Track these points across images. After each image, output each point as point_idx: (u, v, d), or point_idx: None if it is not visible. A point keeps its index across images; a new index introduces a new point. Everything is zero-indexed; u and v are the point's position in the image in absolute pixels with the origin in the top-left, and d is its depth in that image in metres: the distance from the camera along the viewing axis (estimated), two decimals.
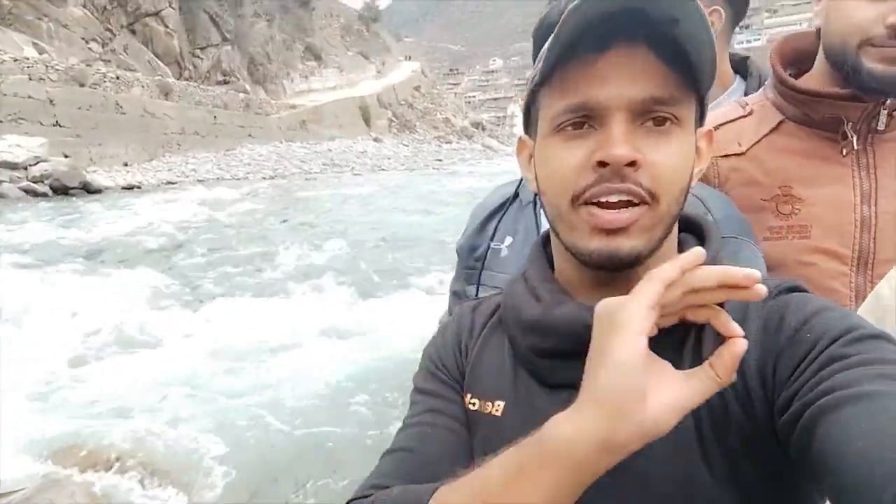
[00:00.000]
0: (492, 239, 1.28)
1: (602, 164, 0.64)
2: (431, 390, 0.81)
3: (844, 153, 1.22)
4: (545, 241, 0.84)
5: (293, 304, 7.92)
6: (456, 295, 1.37)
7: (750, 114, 1.34)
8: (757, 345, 0.63)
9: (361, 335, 6.53)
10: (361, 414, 4.84)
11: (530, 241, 1.15)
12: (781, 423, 0.58)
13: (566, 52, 0.65)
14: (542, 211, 1.20)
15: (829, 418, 0.52)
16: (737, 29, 1.78)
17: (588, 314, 0.65)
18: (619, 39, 0.64)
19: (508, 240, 1.26)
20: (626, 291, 0.67)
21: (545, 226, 1.10)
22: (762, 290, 0.54)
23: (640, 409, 0.52)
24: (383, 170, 36.46)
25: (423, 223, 14.45)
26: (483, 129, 77.79)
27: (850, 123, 1.19)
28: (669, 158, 0.65)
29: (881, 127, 1.18)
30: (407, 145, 50.81)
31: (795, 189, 1.25)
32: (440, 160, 45.85)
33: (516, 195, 1.31)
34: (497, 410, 0.74)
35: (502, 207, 1.31)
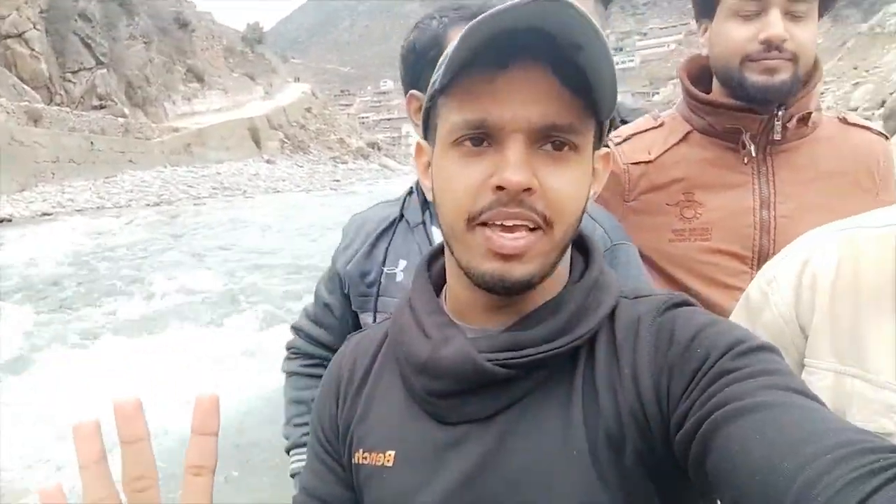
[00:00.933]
0: (384, 264, 1.23)
1: (499, 188, 0.63)
2: (312, 465, 0.83)
3: (746, 161, 1.33)
4: (429, 262, 0.83)
5: (185, 337, 7.50)
6: (314, 322, 1.39)
7: (661, 125, 1.45)
8: (650, 363, 0.63)
9: (260, 365, 6.29)
10: (266, 448, 4.68)
11: None
12: (678, 440, 0.58)
13: (467, 62, 0.64)
14: (433, 230, 1.20)
15: (723, 432, 0.53)
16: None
17: (474, 351, 0.67)
18: (522, 58, 0.63)
19: (402, 263, 1.22)
20: (518, 315, 0.70)
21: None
22: None
23: None
24: (278, 192, 35.67)
25: (321, 246, 14.22)
26: (379, 149, 77.91)
27: (749, 134, 1.31)
28: (566, 185, 0.65)
29: (777, 137, 1.31)
30: (302, 166, 49.94)
31: (697, 195, 1.36)
32: (337, 180, 45.50)
33: (402, 216, 1.27)
34: (388, 461, 0.72)
35: (389, 229, 1.27)
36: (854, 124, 1.39)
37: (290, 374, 1.46)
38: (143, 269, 12.06)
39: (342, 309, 1.34)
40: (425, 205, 1.24)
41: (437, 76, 0.68)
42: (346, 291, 1.30)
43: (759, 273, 1.04)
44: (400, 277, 1.22)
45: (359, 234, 1.30)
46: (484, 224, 0.65)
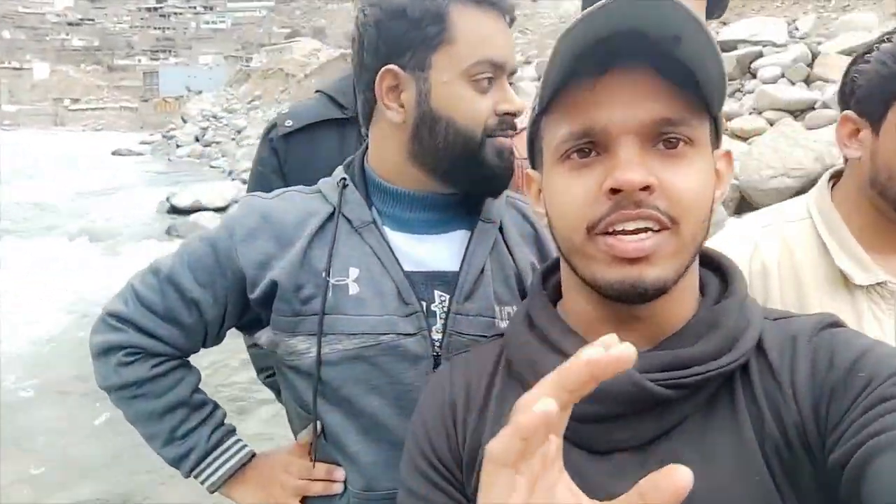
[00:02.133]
0: (327, 274, 0.98)
1: (614, 191, 0.61)
2: (425, 496, 0.72)
3: None
4: (543, 277, 0.80)
5: None
6: (163, 317, 1.02)
7: None
8: (808, 383, 0.61)
9: None
10: None
11: (391, 271, 0.99)
12: (832, 463, 0.57)
13: (565, 77, 0.63)
14: (387, 231, 1.02)
15: (879, 462, 0.51)
16: None
17: (635, 371, 0.61)
18: (619, 62, 0.62)
19: (354, 272, 0.99)
20: (649, 329, 0.67)
21: (401, 249, 1.01)
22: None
23: None
24: None
25: None
26: None
27: None
28: (686, 181, 0.62)
29: None
30: None
31: None
32: None
33: (337, 213, 1.02)
34: None
35: (324, 229, 1.02)
36: None
37: (139, 381, 1.03)
38: None
39: (217, 311, 1.02)
40: (370, 200, 1.04)
41: (536, 98, 0.68)
42: (253, 295, 1.00)
43: None
44: (354, 290, 0.99)
45: (269, 225, 1.01)
46: (605, 233, 0.62)
